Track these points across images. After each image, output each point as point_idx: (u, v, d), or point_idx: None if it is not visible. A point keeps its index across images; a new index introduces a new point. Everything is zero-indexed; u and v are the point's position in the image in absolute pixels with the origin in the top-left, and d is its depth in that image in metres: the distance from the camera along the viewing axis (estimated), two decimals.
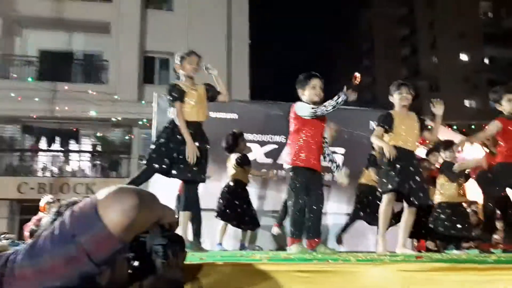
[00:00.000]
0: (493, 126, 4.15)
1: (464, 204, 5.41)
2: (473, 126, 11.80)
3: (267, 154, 6.70)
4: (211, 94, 4.10)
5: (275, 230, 5.70)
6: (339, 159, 6.87)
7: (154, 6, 16.09)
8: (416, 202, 3.87)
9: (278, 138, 6.47)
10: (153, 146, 3.89)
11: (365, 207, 5.35)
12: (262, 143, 6.63)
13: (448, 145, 5.20)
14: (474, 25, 38.15)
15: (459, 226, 5.00)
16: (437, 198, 5.18)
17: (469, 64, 37.88)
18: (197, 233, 3.94)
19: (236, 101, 6.53)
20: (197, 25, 15.05)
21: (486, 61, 38.87)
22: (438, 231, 5.15)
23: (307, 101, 3.86)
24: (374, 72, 45.92)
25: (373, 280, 2.04)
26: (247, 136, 5.84)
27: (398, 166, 3.83)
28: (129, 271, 1.39)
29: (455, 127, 9.50)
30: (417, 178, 3.90)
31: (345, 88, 3.67)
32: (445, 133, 7.05)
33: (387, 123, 3.98)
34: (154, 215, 1.34)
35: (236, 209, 5.31)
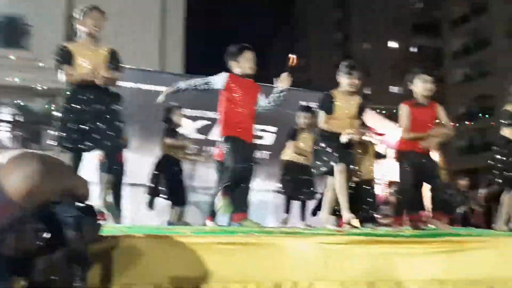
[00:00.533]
0: (404, 112, 4.10)
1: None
2: (395, 111, 12.39)
3: (199, 130, 6.61)
4: (115, 64, 3.62)
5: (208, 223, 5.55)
6: (271, 137, 6.94)
7: None
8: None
9: (210, 114, 6.40)
10: (58, 124, 3.45)
11: (289, 183, 5.41)
12: (194, 119, 6.53)
13: None
14: (404, 14, 39.74)
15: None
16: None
17: (398, 52, 39.54)
18: (117, 202, 3.80)
19: (167, 73, 6.33)
20: None
21: (414, 49, 40.75)
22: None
23: (238, 73, 3.76)
24: (308, 55, 46.68)
25: (293, 252, 2.07)
26: None
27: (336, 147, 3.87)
28: (38, 242, 1.31)
29: (383, 111, 9.90)
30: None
31: (277, 79, 3.71)
32: (372, 117, 7.33)
33: (327, 107, 3.96)
34: (62, 183, 1.26)
35: (165, 184, 5.20)
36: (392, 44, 40.30)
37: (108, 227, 2.76)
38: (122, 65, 3.71)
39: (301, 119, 5.39)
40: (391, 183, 7.94)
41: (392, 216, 4.84)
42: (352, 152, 4.02)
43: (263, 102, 3.81)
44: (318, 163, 3.99)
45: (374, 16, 39.80)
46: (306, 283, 2.05)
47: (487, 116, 27.56)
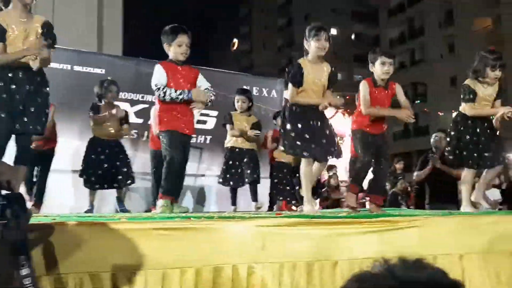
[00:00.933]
0: (364, 87, 3.85)
1: None
2: (337, 97, 12.67)
3: (137, 114, 6.43)
4: (49, 41, 3.15)
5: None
6: (212, 121, 6.91)
7: None
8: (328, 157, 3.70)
9: (149, 98, 6.24)
10: None
11: (231, 171, 5.33)
12: (132, 102, 6.34)
13: None
14: (344, 1, 40.66)
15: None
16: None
17: (338, 38, 40.46)
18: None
19: (104, 55, 6.08)
20: None
21: (353, 36, 41.87)
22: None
23: (172, 58, 3.65)
24: (251, 40, 46.71)
25: (232, 236, 2.08)
26: None
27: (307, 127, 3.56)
28: None
29: None
30: (326, 132, 3.64)
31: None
32: None
33: (297, 80, 3.58)
34: None
35: (93, 167, 4.90)
36: (333, 31, 41.13)
37: (40, 216, 2.65)
38: (56, 44, 3.26)
39: (238, 102, 5.26)
40: (331, 167, 8.15)
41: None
42: (327, 134, 3.66)
43: (204, 85, 3.71)
44: (289, 145, 3.59)
45: (316, 2, 40.38)
46: (245, 267, 2.06)
47: (418, 102, 28.97)
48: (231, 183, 5.23)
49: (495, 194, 6.00)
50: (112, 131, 4.90)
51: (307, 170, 3.60)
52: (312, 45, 3.57)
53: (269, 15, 46.68)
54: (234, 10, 51.01)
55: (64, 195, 5.31)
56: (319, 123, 3.62)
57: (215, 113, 6.43)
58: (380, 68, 3.84)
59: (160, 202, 3.48)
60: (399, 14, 34.67)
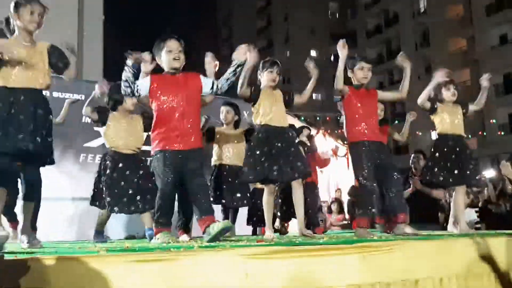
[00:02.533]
0: (344, 89, 3.95)
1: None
2: (318, 118, 12.77)
3: None
4: (55, 61, 3.15)
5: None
6: None
7: None
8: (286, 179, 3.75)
9: None
10: None
11: (221, 190, 4.78)
12: None
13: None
14: (323, 23, 41.40)
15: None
16: None
17: (317, 60, 41.03)
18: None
19: (84, 81, 6.04)
20: None
21: (332, 58, 42.52)
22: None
23: (167, 69, 3.40)
24: (232, 61, 47.07)
25: (214, 266, 2.06)
26: None
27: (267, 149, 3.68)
28: None
29: (302, 118, 10.17)
30: (289, 152, 3.70)
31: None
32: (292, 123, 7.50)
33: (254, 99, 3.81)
34: None
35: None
36: (312, 53, 41.75)
37: (16, 249, 2.58)
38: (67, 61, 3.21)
39: (223, 113, 4.94)
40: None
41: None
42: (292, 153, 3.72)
43: (207, 88, 3.44)
44: (252, 168, 3.67)
45: (295, 25, 41.04)
46: None
47: (397, 122, 29.38)
48: (222, 201, 4.79)
49: (471, 214, 6.07)
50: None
51: (269, 199, 3.78)
52: (265, 77, 3.89)
53: (248, 37, 47.21)
54: (215, 31, 51.50)
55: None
56: (282, 144, 3.70)
57: None
58: (359, 72, 4.00)
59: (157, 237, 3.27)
60: (377, 35, 35.41)
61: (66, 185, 5.68)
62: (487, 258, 2.84)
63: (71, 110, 4.78)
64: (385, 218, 4.51)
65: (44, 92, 3.16)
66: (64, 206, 5.61)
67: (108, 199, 4.04)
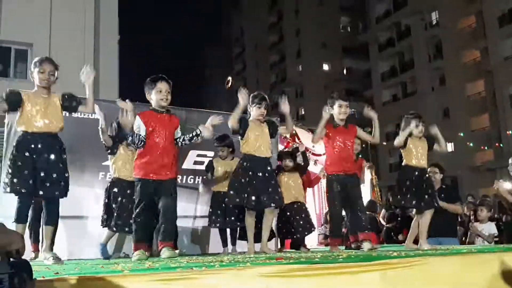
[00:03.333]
0: (321, 135, 4.62)
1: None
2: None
3: None
4: (68, 104, 3.72)
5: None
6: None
7: None
8: (268, 204, 4.25)
9: None
10: (8, 167, 3.49)
11: (218, 215, 5.24)
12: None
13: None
14: (335, 37, 41.51)
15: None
16: None
17: (330, 73, 41.08)
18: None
19: (101, 100, 6.15)
20: (60, 16, 14.02)
21: (344, 71, 42.55)
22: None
23: (154, 106, 3.87)
24: (245, 77, 47.34)
25: (237, 285, 2.08)
26: None
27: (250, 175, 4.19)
28: None
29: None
30: (268, 184, 4.21)
31: (200, 126, 3.95)
32: (307, 137, 7.51)
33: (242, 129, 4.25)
34: None
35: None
36: (325, 66, 41.84)
37: (40, 269, 2.63)
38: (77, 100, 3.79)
39: (218, 151, 5.46)
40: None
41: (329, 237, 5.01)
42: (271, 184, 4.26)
43: (177, 134, 3.92)
44: (238, 193, 4.19)
45: (307, 38, 41.18)
46: None
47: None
48: (217, 224, 5.26)
49: (491, 228, 6.01)
50: None
51: (250, 221, 4.32)
52: (254, 112, 4.35)
53: (261, 52, 47.53)
54: (228, 48, 52.01)
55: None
56: (265, 175, 4.20)
57: (211, 153, 6.44)
58: (338, 110, 4.57)
59: (135, 255, 3.65)
60: (389, 48, 35.37)
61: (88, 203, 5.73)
62: (509, 274, 2.81)
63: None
64: (354, 236, 4.85)
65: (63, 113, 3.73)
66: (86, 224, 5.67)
67: (119, 221, 4.71)
